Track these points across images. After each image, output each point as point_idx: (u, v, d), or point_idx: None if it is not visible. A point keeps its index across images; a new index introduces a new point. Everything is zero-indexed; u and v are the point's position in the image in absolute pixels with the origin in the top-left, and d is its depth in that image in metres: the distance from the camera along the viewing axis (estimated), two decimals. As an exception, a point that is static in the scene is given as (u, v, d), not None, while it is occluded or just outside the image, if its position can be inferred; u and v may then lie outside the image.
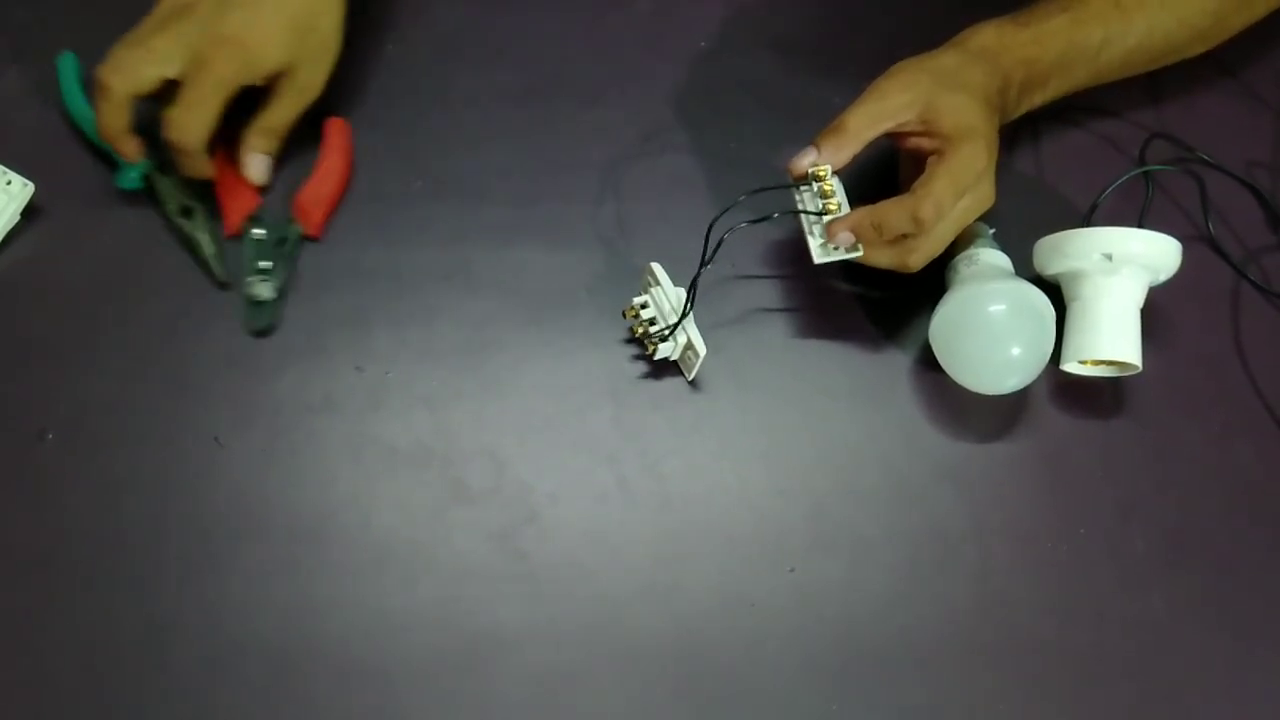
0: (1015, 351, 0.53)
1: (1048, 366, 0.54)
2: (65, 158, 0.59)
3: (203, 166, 0.55)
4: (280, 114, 0.55)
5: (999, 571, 0.54)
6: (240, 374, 0.55)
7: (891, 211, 0.50)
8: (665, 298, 0.54)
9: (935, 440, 0.56)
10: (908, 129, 0.51)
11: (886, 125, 0.51)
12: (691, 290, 0.53)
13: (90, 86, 0.55)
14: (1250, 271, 0.60)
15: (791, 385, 0.57)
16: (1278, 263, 0.60)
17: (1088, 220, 0.59)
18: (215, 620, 0.51)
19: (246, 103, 0.55)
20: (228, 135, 0.58)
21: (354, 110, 0.61)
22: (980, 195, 0.51)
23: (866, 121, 0.51)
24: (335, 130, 0.59)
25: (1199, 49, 0.60)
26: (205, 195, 0.58)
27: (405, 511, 0.53)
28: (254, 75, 0.53)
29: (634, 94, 0.62)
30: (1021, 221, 0.58)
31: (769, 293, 0.58)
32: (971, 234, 0.57)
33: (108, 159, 0.58)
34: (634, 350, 0.57)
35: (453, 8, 0.63)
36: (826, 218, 0.52)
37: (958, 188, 0.50)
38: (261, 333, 0.56)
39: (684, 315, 0.53)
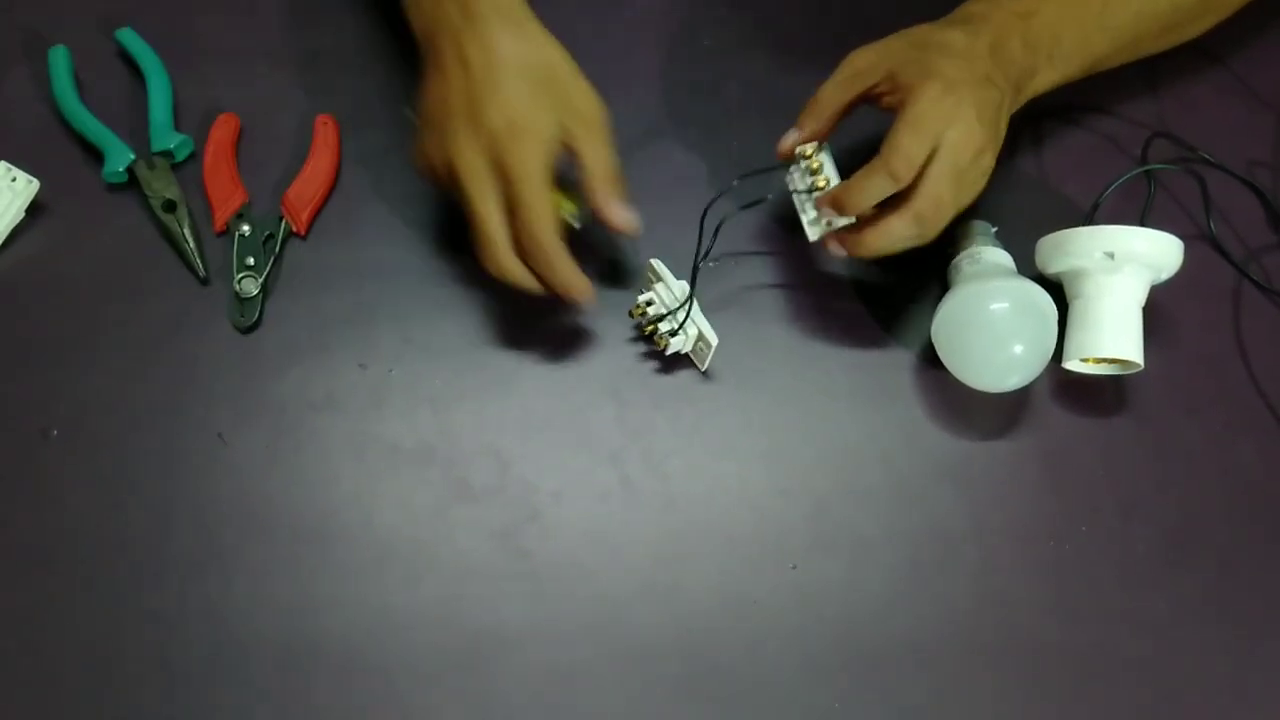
0: (1017, 349, 0.53)
1: (1049, 365, 0.54)
2: (69, 155, 0.60)
3: (572, 273, 0.51)
4: (597, 159, 0.51)
5: (1000, 570, 0.54)
6: (243, 372, 0.56)
7: (865, 174, 0.50)
8: (669, 292, 0.54)
9: (937, 439, 0.56)
10: (880, 90, 0.51)
11: (857, 89, 0.51)
12: (692, 281, 0.53)
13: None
14: (1252, 270, 0.60)
15: (793, 384, 0.57)
16: (1279, 262, 0.60)
17: (1090, 219, 0.59)
18: (218, 618, 0.51)
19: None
20: (217, 134, 0.59)
21: (351, 109, 0.61)
22: (962, 135, 0.49)
23: (838, 89, 0.52)
24: (324, 128, 0.60)
25: (1206, 20, 0.59)
26: (192, 191, 0.58)
27: (408, 510, 0.54)
28: (550, 148, 0.50)
29: (634, 93, 0.62)
30: (1024, 220, 0.58)
31: (770, 292, 0.58)
32: (973, 232, 0.57)
33: (95, 152, 0.59)
34: (636, 349, 0.57)
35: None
36: (817, 194, 0.53)
37: (921, 132, 0.48)
38: (247, 329, 0.56)
39: (689, 307, 0.53)
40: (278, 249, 0.58)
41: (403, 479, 0.54)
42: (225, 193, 0.58)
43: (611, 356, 0.57)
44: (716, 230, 0.55)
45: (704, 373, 0.56)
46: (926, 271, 0.58)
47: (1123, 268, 0.53)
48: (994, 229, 0.57)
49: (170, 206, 0.58)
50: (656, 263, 0.54)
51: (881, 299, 0.58)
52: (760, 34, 0.64)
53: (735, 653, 0.52)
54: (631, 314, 0.55)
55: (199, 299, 0.57)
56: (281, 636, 0.51)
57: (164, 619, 0.51)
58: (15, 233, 0.58)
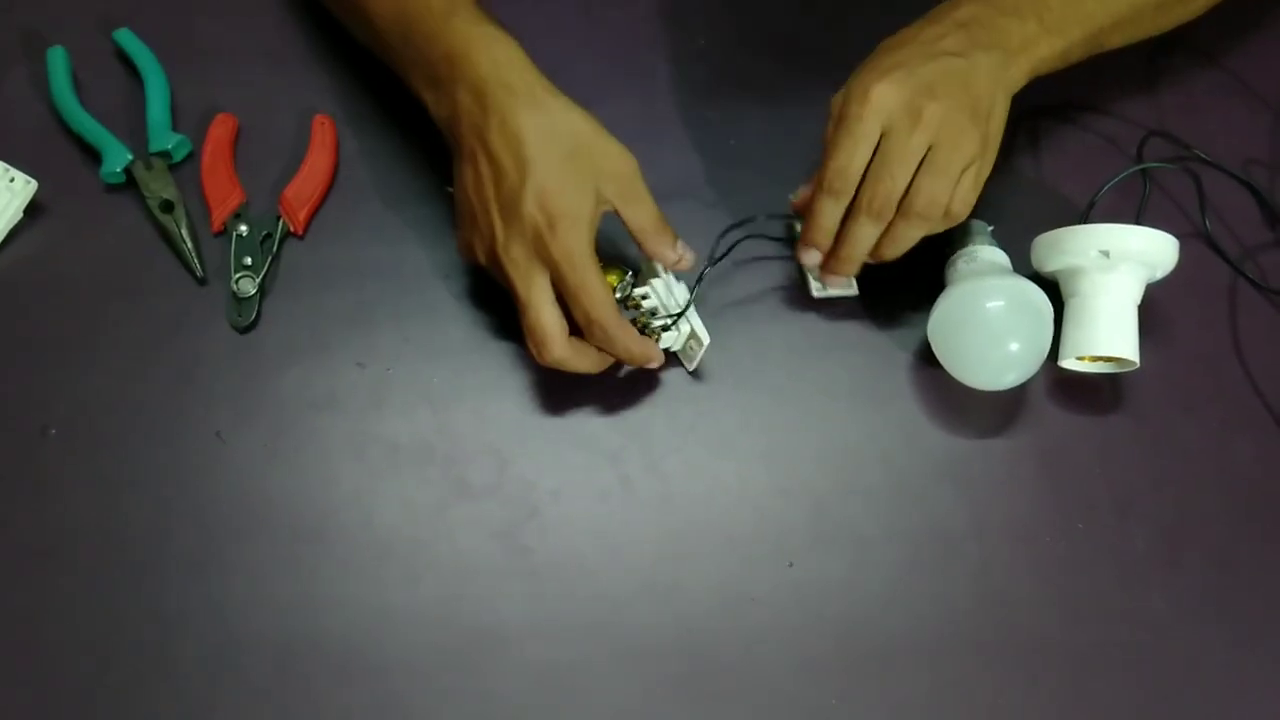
0: (1014, 348, 0.53)
1: (1046, 363, 0.54)
2: (67, 155, 0.60)
3: (638, 344, 0.51)
4: (640, 214, 0.51)
5: (998, 568, 0.54)
6: (242, 371, 0.56)
7: (814, 202, 0.51)
8: (666, 289, 0.54)
9: (934, 437, 0.56)
10: None
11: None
12: (697, 282, 0.53)
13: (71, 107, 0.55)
14: (1247, 269, 0.60)
15: (791, 383, 0.57)
16: (1275, 260, 0.61)
17: (1085, 217, 0.59)
18: (217, 617, 0.51)
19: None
20: (215, 134, 0.59)
21: (349, 109, 0.61)
22: (907, 118, 0.48)
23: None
24: (321, 128, 0.60)
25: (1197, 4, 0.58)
26: (189, 191, 0.58)
27: (407, 508, 0.54)
28: (591, 226, 0.49)
29: (634, 92, 0.62)
30: (1020, 219, 0.58)
31: (769, 291, 0.58)
32: (970, 231, 0.57)
33: (93, 152, 0.59)
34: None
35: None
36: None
37: (847, 135, 0.49)
38: (245, 329, 0.56)
39: (687, 308, 0.53)
40: (275, 249, 0.58)
41: (402, 478, 0.54)
42: (223, 193, 0.58)
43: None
44: (730, 249, 0.55)
45: (692, 373, 0.56)
46: (923, 270, 0.58)
47: (1118, 266, 0.54)
48: (990, 228, 0.58)
49: (168, 207, 0.58)
50: (659, 264, 0.55)
51: (879, 298, 0.58)
52: (758, 33, 0.64)
53: (734, 651, 0.52)
54: (625, 305, 0.55)
55: (197, 299, 0.57)
56: (281, 635, 0.51)
57: (164, 618, 0.51)
58: (13, 233, 0.58)
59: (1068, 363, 0.55)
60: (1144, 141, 0.62)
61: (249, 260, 0.57)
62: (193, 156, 0.60)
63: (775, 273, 0.59)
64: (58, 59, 0.60)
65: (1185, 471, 0.56)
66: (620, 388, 0.56)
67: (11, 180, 0.57)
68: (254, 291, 0.56)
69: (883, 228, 0.51)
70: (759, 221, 0.57)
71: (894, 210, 0.50)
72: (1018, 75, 0.52)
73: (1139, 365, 0.54)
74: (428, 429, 0.55)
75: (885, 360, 0.57)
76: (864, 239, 0.51)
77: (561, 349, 0.50)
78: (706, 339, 0.53)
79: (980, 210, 0.58)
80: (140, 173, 0.58)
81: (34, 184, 0.58)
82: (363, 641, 0.51)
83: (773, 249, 0.59)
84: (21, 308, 0.57)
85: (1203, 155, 0.61)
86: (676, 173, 0.60)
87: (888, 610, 0.53)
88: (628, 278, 0.54)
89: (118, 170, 0.58)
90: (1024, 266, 0.57)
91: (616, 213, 0.51)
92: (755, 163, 0.61)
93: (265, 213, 0.59)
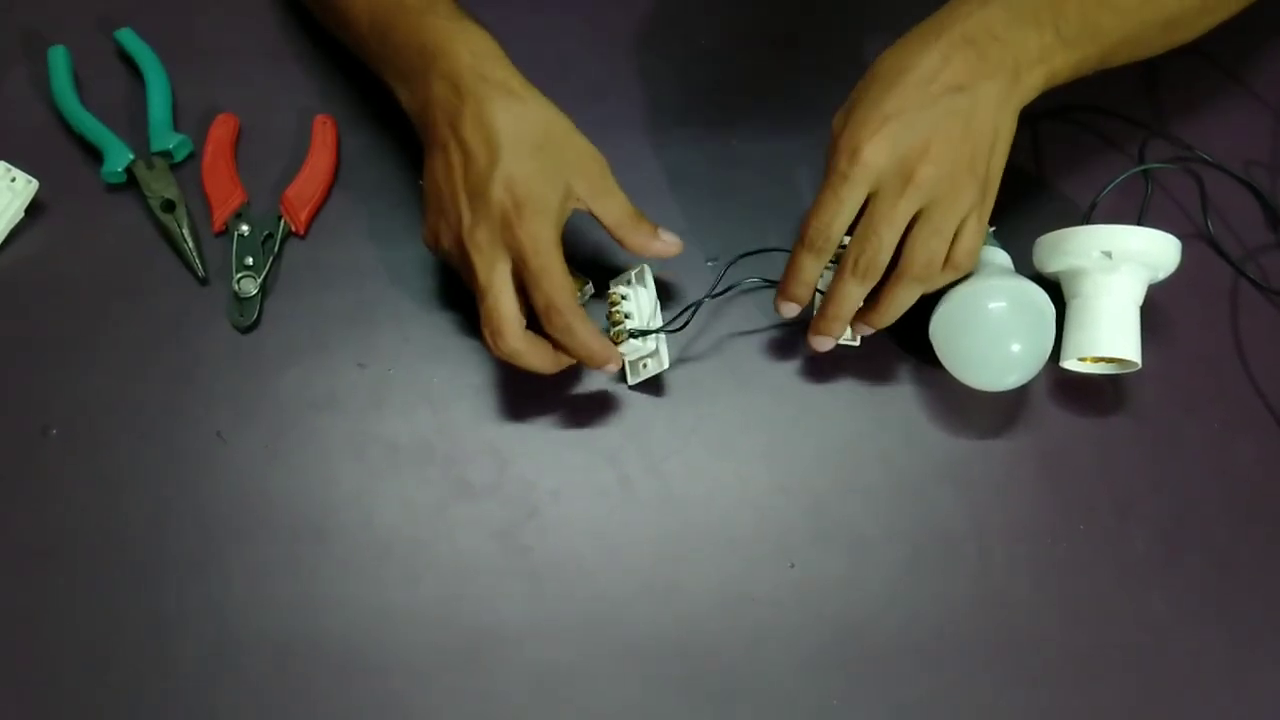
0: (1015, 349, 0.53)
1: (1047, 364, 0.54)
2: (68, 155, 0.60)
3: (596, 340, 0.50)
4: (612, 208, 0.51)
5: (998, 569, 0.54)
6: (243, 370, 0.56)
7: (795, 248, 0.51)
8: (646, 300, 0.54)
9: (935, 438, 0.56)
10: None
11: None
12: (692, 310, 0.54)
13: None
14: (1249, 270, 0.60)
15: (791, 383, 0.57)
16: (1276, 261, 0.61)
17: (1087, 218, 0.59)
18: (217, 616, 0.51)
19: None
20: (216, 133, 0.59)
21: (350, 109, 0.61)
22: (896, 182, 0.47)
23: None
24: (322, 128, 0.60)
25: (1207, 20, 0.57)
26: (191, 191, 0.58)
27: (407, 508, 0.54)
28: (558, 217, 0.49)
29: (634, 92, 0.62)
30: (1021, 219, 0.58)
31: (769, 291, 0.58)
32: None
33: (95, 151, 0.59)
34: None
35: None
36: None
37: (833, 182, 0.48)
38: (246, 329, 0.56)
39: (669, 324, 0.54)
40: (277, 249, 0.58)
41: (402, 478, 0.54)
42: (224, 192, 0.58)
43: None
44: (730, 288, 0.56)
45: (630, 387, 0.55)
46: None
47: (1120, 267, 0.53)
48: (992, 228, 0.57)
49: (169, 206, 0.58)
50: (647, 270, 0.54)
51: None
52: (760, 33, 0.64)
53: (734, 651, 0.52)
54: (606, 297, 0.55)
55: (198, 299, 0.57)
56: (281, 635, 0.51)
57: (163, 618, 0.51)
58: (14, 232, 0.58)
59: (1069, 363, 0.55)
60: (1146, 142, 0.62)
61: (250, 260, 0.57)
62: (194, 156, 0.60)
63: (774, 272, 0.59)
64: (59, 58, 0.60)
65: (1186, 473, 0.56)
66: (620, 386, 0.56)
67: (13, 180, 0.57)
68: (255, 291, 0.56)
69: (869, 288, 0.50)
70: (770, 254, 0.56)
71: (880, 272, 0.49)
72: (1031, 87, 0.50)
73: (1140, 366, 0.54)
74: (428, 429, 0.55)
75: (886, 361, 0.57)
76: (850, 299, 0.51)
77: (517, 339, 0.49)
78: (666, 364, 0.53)
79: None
80: (141, 172, 0.58)
81: (35, 183, 0.58)
82: (363, 641, 0.51)
83: (771, 248, 0.59)
84: (22, 307, 0.57)
85: (1204, 156, 0.61)
86: (677, 173, 0.60)
87: (888, 611, 0.53)
88: (587, 288, 0.54)
89: (119, 170, 0.58)
90: (1026, 267, 0.57)
91: (589, 211, 0.51)
92: (756, 163, 0.61)
93: (267, 212, 0.59)
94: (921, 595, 0.53)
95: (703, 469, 0.55)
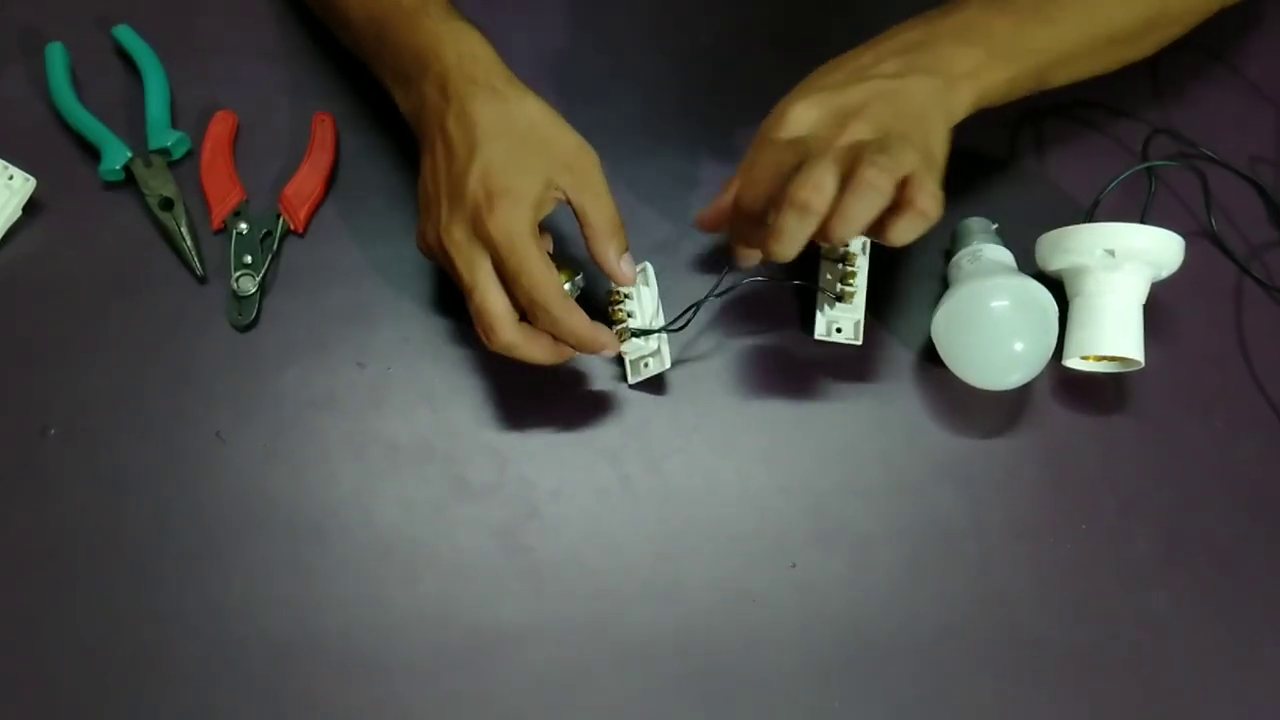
0: (1018, 347, 0.53)
1: (1050, 362, 0.54)
2: (66, 153, 0.60)
3: (585, 326, 0.49)
4: (593, 209, 0.49)
5: (1000, 568, 0.54)
6: (241, 370, 0.56)
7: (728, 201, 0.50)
8: (649, 299, 0.54)
9: (937, 436, 0.56)
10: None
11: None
12: (693, 310, 0.53)
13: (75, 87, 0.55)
14: (1253, 267, 0.60)
15: (792, 382, 0.57)
16: (1281, 259, 0.60)
17: (1090, 216, 0.59)
18: (217, 616, 0.51)
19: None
20: (214, 131, 0.59)
21: (348, 107, 0.61)
22: (827, 127, 0.45)
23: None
24: (321, 126, 0.59)
25: (1154, 37, 0.56)
26: (189, 189, 0.58)
27: (407, 508, 0.53)
28: (534, 207, 0.48)
29: (635, 91, 0.62)
30: (1024, 217, 0.58)
31: (770, 290, 0.58)
32: (974, 229, 0.57)
33: (92, 149, 0.59)
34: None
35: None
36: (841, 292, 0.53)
37: (759, 141, 0.47)
38: (245, 327, 0.56)
39: (672, 323, 0.53)
40: (275, 247, 0.57)
41: (402, 477, 0.54)
42: (223, 190, 0.58)
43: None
44: (731, 289, 0.55)
45: (630, 386, 0.55)
46: (927, 269, 0.58)
47: (1123, 265, 0.53)
48: (994, 226, 0.57)
49: (167, 204, 0.58)
50: (649, 269, 0.54)
51: (882, 296, 0.58)
52: (760, 32, 0.64)
53: (734, 651, 0.52)
54: (606, 295, 0.55)
55: (196, 297, 0.57)
56: (280, 635, 0.51)
57: (163, 617, 0.51)
58: (12, 231, 0.58)
59: (1072, 362, 0.55)
60: (1149, 139, 0.61)
61: (249, 259, 0.57)
62: (192, 154, 0.60)
63: (775, 271, 0.59)
64: (56, 55, 0.60)
65: (1189, 471, 0.56)
66: (620, 385, 0.56)
67: (10, 178, 0.57)
68: (254, 290, 0.56)
69: (810, 225, 0.45)
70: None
71: (823, 210, 0.44)
72: (961, 103, 0.49)
73: (1143, 365, 0.54)
74: (427, 428, 0.55)
75: (888, 359, 0.57)
76: (790, 231, 0.45)
77: (510, 333, 0.48)
78: (667, 364, 0.53)
79: (985, 208, 0.57)
80: (139, 170, 0.58)
81: (33, 181, 0.57)
82: (362, 641, 0.51)
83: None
84: (20, 306, 0.57)
85: (1208, 153, 0.61)
86: (677, 173, 0.60)
87: (889, 611, 0.53)
88: (577, 278, 0.52)
89: (117, 168, 0.58)
90: (1028, 265, 0.56)
91: (571, 205, 0.50)
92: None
93: (265, 211, 0.58)
94: (923, 595, 0.53)
95: (703, 468, 0.55)
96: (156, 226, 0.58)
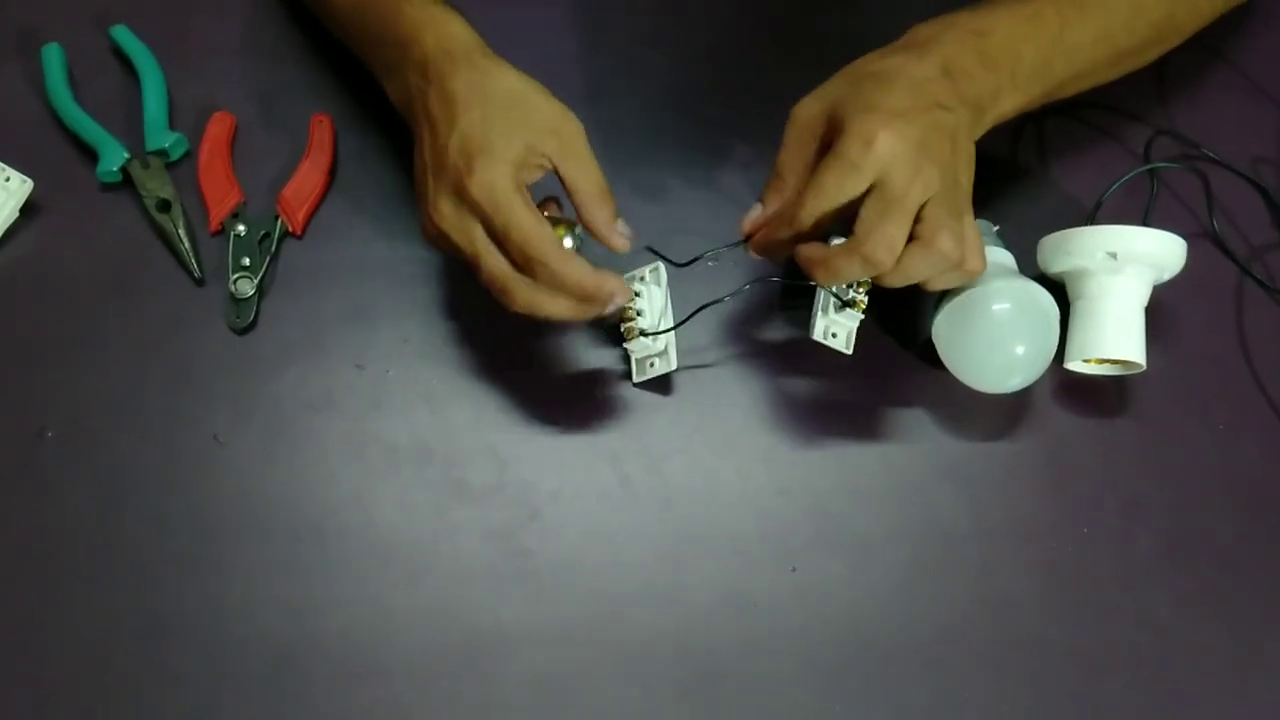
0: (1019, 350, 0.52)
1: (1051, 365, 0.54)
2: (63, 154, 0.59)
3: (588, 275, 0.47)
4: (580, 175, 0.48)
5: (1001, 571, 0.54)
6: (240, 371, 0.55)
7: (776, 211, 0.49)
8: (659, 299, 0.54)
9: (938, 439, 0.56)
10: (829, 138, 0.47)
11: (811, 145, 0.48)
12: (699, 311, 0.53)
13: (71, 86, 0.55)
14: (1255, 270, 0.60)
15: (794, 384, 0.56)
16: (1283, 260, 0.60)
17: (1092, 218, 0.59)
18: (216, 618, 0.51)
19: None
20: (212, 132, 0.59)
21: (346, 108, 0.61)
22: (904, 172, 0.45)
23: (792, 153, 0.49)
24: (319, 127, 0.59)
25: (1156, 49, 0.58)
26: (187, 190, 0.58)
27: (406, 510, 0.53)
28: (515, 167, 0.47)
29: (636, 91, 0.62)
30: (1025, 219, 0.58)
31: (771, 290, 0.58)
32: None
33: (90, 151, 0.58)
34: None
35: (451, 3, 0.63)
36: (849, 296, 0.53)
37: (846, 172, 0.45)
38: (243, 330, 0.56)
39: (681, 323, 0.53)
40: (273, 249, 0.57)
41: (401, 479, 0.54)
42: (220, 192, 0.58)
43: (611, 355, 0.56)
44: (741, 290, 0.54)
45: (635, 385, 0.55)
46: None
47: (1125, 268, 0.53)
48: (996, 228, 0.57)
49: (165, 206, 0.57)
50: (661, 269, 0.54)
51: (883, 298, 0.58)
52: (762, 31, 0.64)
53: (735, 653, 0.52)
54: None
55: (194, 299, 0.57)
56: (280, 636, 0.51)
57: (163, 619, 0.51)
58: (9, 233, 0.57)
59: (1074, 365, 0.55)
60: (1151, 141, 0.61)
61: (247, 260, 0.57)
62: (190, 155, 0.59)
63: (776, 271, 0.58)
64: (53, 56, 0.60)
65: (1190, 474, 0.56)
66: (620, 387, 0.56)
67: (7, 179, 0.57)
68: (252, 292, 0.56)
69: (869, 274, 0.48)
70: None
71: (890, 263, 0.46)
72: (983, 129, 0.51)
73: (1145, 368, 0.54)
74: (427, 430, 0.55)
75: (889, 362, 0.57)
76: (848, 275, 0.48)
77: (526, 290, 0.47)
78: (673, 364, 0.53)
79: (986, 210, 0.57)
80: (137, 171, 0.58)
81: (29, 183, 0.57)
82: (361, 643, 0.51)
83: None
84: (19, 308, 0.56)
85: (1211, 155, 0.61)
86: (677, 172, 0.60)
87: (890, 614, 0.53)
88: (577, 230, 0.50)
89: (114, 169, 0.58)
90: (1030, 267, 0.56)
91: (558, 174, 0.49)
92: (756, 163, 0.60)
93: (263, 212, 0.58)
94: (924, 597, 0.53)
95: (704, 470, 0.55)
96: (154, 228, 0.58)
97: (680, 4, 0.64)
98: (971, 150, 0.49)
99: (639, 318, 0.53)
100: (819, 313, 0.54)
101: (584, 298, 0.48)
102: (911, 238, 0.46)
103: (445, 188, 0.47)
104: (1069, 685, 0.52)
